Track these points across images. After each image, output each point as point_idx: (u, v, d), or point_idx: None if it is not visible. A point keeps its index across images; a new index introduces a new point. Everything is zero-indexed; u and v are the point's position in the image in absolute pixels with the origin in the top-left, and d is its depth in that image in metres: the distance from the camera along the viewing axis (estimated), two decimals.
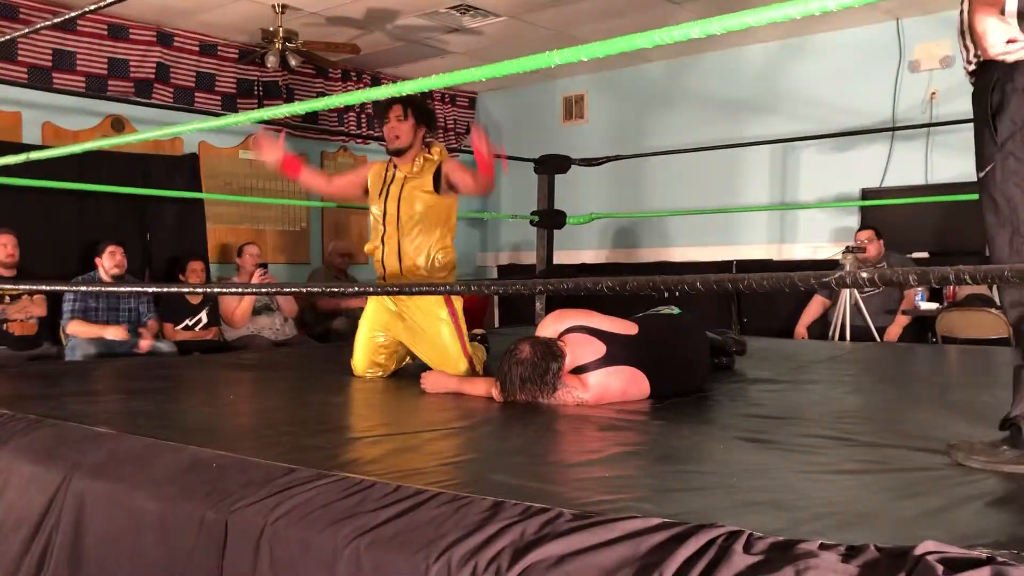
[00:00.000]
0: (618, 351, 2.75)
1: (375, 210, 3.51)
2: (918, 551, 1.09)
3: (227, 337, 5.81)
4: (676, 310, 3.17)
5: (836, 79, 6.58)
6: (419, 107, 3.43)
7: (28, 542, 1.94)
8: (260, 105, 7.08)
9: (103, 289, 5.20)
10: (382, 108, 3.43)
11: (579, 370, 2.72)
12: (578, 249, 7.86)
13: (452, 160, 3.48)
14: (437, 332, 3.37)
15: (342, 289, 4.25)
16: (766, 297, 6.41)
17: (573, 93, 8.17)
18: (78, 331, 4.98)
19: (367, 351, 3.50)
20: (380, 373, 3.50)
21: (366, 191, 3.60)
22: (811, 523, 1.40)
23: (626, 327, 2.85)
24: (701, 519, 1.27)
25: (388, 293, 3.36)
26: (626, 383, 2.75)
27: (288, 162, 3.46)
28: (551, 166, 6.14)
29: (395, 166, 3.48)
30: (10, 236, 5.02)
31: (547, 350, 2.69)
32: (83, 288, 4.76)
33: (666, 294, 1.74)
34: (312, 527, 1.48)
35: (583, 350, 2.73)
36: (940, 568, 1.05)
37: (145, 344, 5.11)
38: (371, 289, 3.21)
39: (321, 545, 1.44)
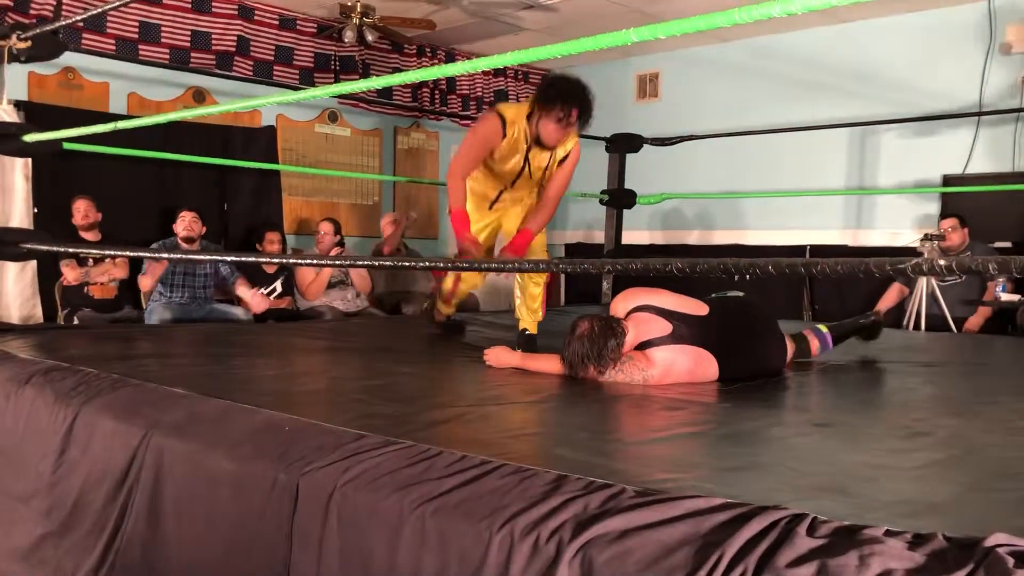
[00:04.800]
0: (685, 330, 2.73)
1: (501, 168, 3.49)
2: (988, 543, 1.07)
3: (299, 307, 5.96)
4: (740, 294, 3.10)
5: (921, 61, 6.37)
6: (589, 113, 3.30)
7: (113, 493, 2.03)
8: (336, 80, 7.17)
9: (172, 256, 5.31)
10: (563, 109, 3.21)
11: (645, 346, 2.72)
12: (646, 229, 7.79)
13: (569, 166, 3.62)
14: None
15: (412, 263, 4.32)
16: (839, 284, 6.28)
17: (648, 71, 8.08)
18: (145, 282, 5.25)
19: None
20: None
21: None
22: (878, 511, 1.38)
23: (696, 307, 2.84)
24: (765, 501, 1.26)
25: (459, 269, 3.39)
26: (693, 362, 2.73)
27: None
28: (623, 145, 6.09)
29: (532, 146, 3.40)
30: (86, 201, 5.23)
31: (606, 326, 2.69)
32: (147, 254, 4.92)
33: (736, 277, 1.72)
34: (379, 492, 1.51)
35: (648, 327, 2.73)
36: (1011, 561, 1.03)
37: (257, 304, 5.30)
38: (443, 264, 3.24)
39: (388, 510, 1.47)
